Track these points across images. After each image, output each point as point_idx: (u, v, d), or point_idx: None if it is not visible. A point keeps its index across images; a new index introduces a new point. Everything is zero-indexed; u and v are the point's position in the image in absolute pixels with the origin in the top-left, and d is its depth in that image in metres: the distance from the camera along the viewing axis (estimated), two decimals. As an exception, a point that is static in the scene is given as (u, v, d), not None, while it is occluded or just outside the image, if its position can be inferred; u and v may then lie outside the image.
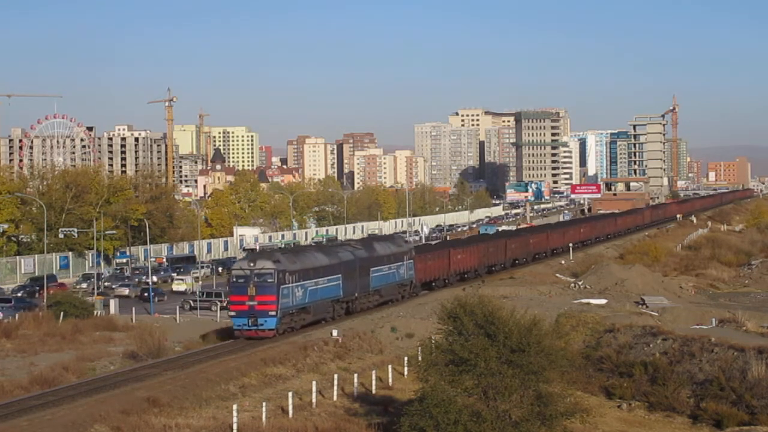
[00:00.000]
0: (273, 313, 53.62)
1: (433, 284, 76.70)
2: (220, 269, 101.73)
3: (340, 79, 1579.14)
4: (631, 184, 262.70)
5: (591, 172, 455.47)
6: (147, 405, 37.91)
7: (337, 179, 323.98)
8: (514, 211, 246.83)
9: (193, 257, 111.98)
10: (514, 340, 30.28)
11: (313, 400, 40.08)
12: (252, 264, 54.46)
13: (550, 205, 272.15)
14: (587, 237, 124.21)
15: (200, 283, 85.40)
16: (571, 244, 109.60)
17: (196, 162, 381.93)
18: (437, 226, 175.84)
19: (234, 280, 55.27)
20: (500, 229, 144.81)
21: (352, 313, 62.10)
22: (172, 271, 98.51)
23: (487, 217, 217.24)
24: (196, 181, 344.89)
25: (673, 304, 65.43)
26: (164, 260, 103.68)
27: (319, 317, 59.01)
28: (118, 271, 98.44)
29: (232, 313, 54.73)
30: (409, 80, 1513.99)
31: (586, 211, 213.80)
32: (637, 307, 63.76)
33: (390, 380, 45.34)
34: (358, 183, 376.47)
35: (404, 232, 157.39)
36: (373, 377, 44.53)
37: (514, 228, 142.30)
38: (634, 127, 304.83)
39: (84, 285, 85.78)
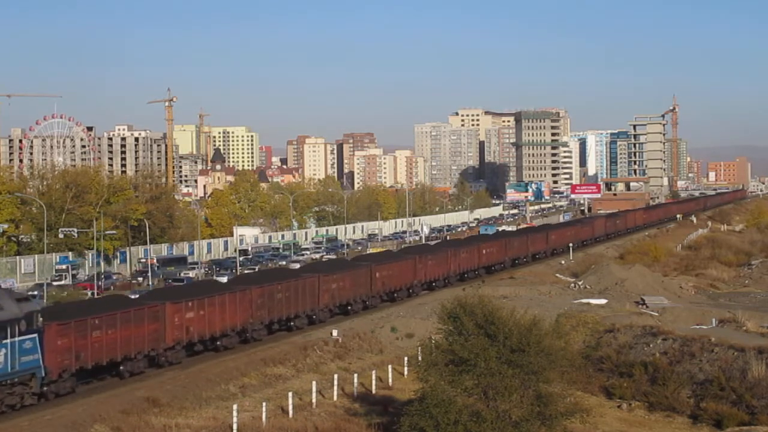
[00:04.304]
0: None
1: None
2: (218, 269, 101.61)
3: (340, 79, 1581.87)
4: (631, 184, 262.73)
5: (591, 172, 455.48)
6: (147, 405, 37.97)
7: (337, 179, 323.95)
8: (511, 212, 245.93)
9: (184, 258, 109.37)
10: (514, 340, 30.28)
11: (313, 400, 40.08)
12: None
13: (549, 205, 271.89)
14: (497, 260, 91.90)
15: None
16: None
17: (196, 162, 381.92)
18: (422, 228, 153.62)
19: None
20: (499, 229, 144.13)
21: None
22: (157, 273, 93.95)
23: (476, 219, 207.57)
24: (196, 181, 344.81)
25: (673, 304, 65.37)
26: (155, 261, 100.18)
27: None
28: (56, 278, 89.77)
29: None
30: (409, 80, 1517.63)
31: (586, 211, 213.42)
32: (637, 307, 63.72)
33: (390, 380, 45.33)
34: (358, 183, 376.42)
35: (404, 232, 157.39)
36: (373, 377, 44.54)
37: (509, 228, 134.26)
38: (634, 127, 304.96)
39: None
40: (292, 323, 58.07)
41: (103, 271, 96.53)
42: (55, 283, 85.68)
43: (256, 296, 54.19)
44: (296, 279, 59.72)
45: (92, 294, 77.60)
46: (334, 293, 62.73)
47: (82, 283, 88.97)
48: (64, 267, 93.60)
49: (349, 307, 64.74)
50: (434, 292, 74.76)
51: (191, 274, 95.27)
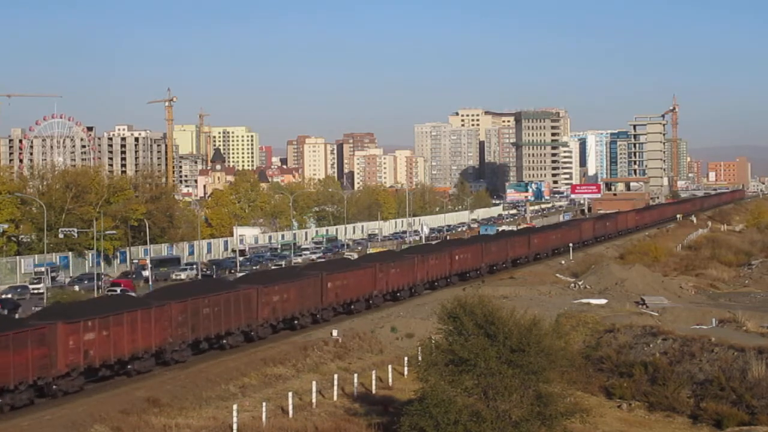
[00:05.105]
0: None
1: None
2: (216, 269, 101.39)
3: (340, 79, 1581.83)
4: (631, 184, 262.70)
5: (591, 172, 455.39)
6: (147, 405, 37.99)
7: (337, 179, 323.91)
8: (510, 212, 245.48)
9: (178, 258, 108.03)
10: (514, 340, 30.29)
11: (313, 400, 40.08)
12: None
13: (549, 205, 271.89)
14: (472, 267, 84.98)
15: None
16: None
17: (196, 162, 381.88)
18: (422, 228, 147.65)
19: None
20: (499, 229, 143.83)
21: None
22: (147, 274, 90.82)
23: (475, 219, 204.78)
24: (196, 181, 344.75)
25: (673, 304, 65.38)
26: (147, 261, 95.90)
27: None
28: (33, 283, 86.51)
29: None
30: (409, 80, 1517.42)
31: (586, 211, 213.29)
32: (637, 307, 63.72)
33: (390, 380, 45.35)
34: (358, 183, 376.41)
35: (404, 232, 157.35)
36: (373, 377, 44.55)
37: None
38: (634, 127, 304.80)
39: None
40: (224, 341, 51.85)
41: (102, 271, 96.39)
42: (31, 286, 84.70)
43: (176, 312, 47.67)
44: (228, 291, 53.22)
45: (123, 292, 73.79)
46: (276, 306, 56.27)
47: (117, 279, 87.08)
48: (42, 269, 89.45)
49: (296, 322, 58.69)
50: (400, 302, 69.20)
51: (183, 275, 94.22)
